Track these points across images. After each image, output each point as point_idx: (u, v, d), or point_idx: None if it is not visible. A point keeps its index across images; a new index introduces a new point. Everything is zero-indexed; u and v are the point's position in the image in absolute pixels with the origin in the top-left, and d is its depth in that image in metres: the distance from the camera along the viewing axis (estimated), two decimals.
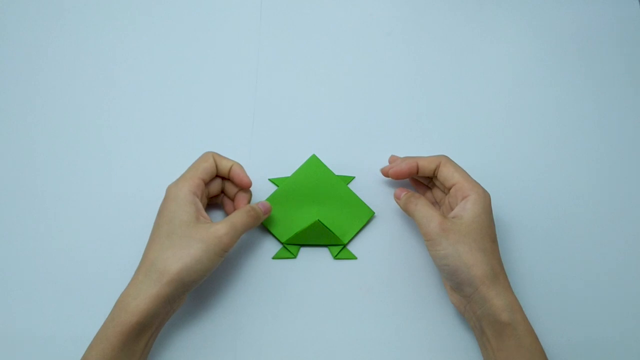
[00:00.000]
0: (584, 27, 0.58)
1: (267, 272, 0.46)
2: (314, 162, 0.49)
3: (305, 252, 0.47)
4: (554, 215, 0.50)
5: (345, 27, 0.57)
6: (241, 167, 0.45)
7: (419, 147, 0.52)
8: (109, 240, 0.48)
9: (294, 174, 0.49)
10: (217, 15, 0.57)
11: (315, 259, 0.47)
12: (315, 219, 0.46)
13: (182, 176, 0.43)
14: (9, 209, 0.49)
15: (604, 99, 0.55)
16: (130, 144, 0.51)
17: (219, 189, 0.46)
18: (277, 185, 0.49)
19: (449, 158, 0.46)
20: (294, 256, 0.47)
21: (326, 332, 0.45)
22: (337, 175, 0.49)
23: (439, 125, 0.53)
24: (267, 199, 0.48)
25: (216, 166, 0.44)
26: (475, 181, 0.44)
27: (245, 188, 0.46)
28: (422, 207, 0.43)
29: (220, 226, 0.41)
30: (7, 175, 0.50)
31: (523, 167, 0.52)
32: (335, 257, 0.47)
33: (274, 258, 0.47)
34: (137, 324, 0.37)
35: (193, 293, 0.45)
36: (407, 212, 0.45)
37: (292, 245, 0.47)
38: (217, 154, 0.45)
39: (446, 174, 0.45)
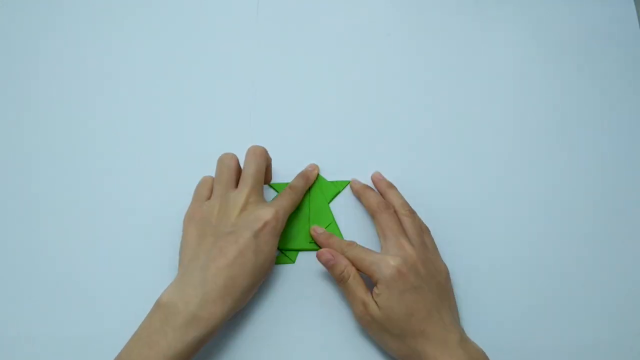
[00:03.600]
0: (579, 28, 0.58)
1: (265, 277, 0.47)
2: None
3: (303, 258, 0.48)
4: (554, 215, 0.50)
5: (343, 28, 0.57)
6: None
7: (418, 150, 0.52)
8: (107, 241, 0.48)
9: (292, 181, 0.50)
10: (213, 19, 0.56)
11: (313, 264, 0.47)
12: (308, 227, 0.47)
13: (281, 205, 0.44)
14: (6, 211, 0.49)
15: (602, 99, 0.55)
16: (126, 148, 0.51)
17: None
18: (277, 191, 0.49)
19: (384, 208, 0.46)
20: (293, 262, 0.47)
21: (326, 337, 0.45)
22: (332, 182, 0.50)
23: (439, 127, 0.53)
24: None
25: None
26: (390, 248, 0.43)
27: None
28: (349, 287, 0.43)
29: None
30: (4, 177, 0.50)
31: (525, 167, 0.52)
32: None
33: None
34: (204, 342, 0.39)
35: None
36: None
37: (290, 251, 0.48)
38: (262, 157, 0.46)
39: (377, 230, 0.46)
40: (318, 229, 0.47)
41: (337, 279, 0.44)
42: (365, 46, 0.56)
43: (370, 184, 0.50)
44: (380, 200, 0.47)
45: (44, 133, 0.52)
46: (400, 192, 0.49)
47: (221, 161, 0.46)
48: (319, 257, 0.44)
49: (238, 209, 0.43)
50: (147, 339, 0.37)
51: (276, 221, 0.42)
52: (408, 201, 0.48)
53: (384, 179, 0.50)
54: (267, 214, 0.42)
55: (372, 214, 0.47)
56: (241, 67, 0.55)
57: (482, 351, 0.41)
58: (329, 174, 0.50)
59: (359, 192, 0.49)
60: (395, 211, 0.46)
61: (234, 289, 0.39)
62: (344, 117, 0.53)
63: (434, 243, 0.46)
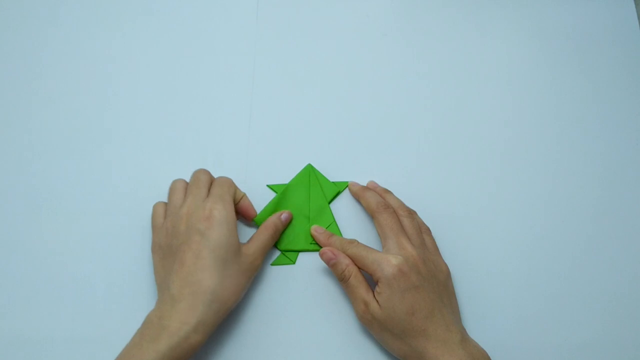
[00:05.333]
0: (579, 28, 0.57)
1: (266, 278, 0.47)
2: (309, 171, 0.50)
3: (304, 258, 0.48)
4: (553, 216, 0.50)
5: (341, 29, 0.56)
6: (248, 198, 0.48)
7: (418, 150, 0.52)
8: (107, 241, 0.48)
9: (290, 181, 0.50)
10: (212, 22, 0.56)
11: (314, 264, 0.47)
12: (309, 228, 0.47)
13: (222, 197, 0.43)
14: (3, 209, 0.49)
15: (602, 99, 0.55)
16: (125, 150, 0.51)
17: None
18: (276, 192, 0.49)
19: (384, 208, 0.45)
20: (293, 262, 0.47)
21: (326, 337, 0.45)
22: (333, 182, 0.50)
23: (439, 127, 0.53)
24: (266, 206, 0.48)
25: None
26: (391, 248, 0.43)
27: (249, 220, 0.48)
28: (351, 285, 0.43)
29: (256, 253, 0.43)
30: (2, 175, 0.50)
31: (525, 167, 0.52)
32: None
33: (272, 264, 0.47)
34: (193, 348, 0.38)
35: None
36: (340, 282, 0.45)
37: (291, 252, 0.47)
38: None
39: (377, 230, 0.46)
40: (319, 229, 0.47)
41: (339, 278, 0.44)
42: (361, 47, 0.56)
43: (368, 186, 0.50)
44: (379, 200, 0.47)
45: (44, 133, 0.52)
46: (401, 191, 0.49)
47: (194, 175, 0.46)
48: (321, 256, 0.45)
49: (183, 221, 0.42)
50: (127, 354, 0.38)
51: (220, 210, 0.42)
52: (408, 201, 0.48)
53: (378, 186, 0.50)
54: (207, 208, 0.42)
55: (372, 214, 0.47)
56: (240, 68, 0.55)
57: (484, 351, 0.41)
58: (330, 174, 0.50)
59: (358, 194, 0.49)
60: (394, 211, 0.46)
61: (203, 294, 0.39)
62: (344, 117, 0.53)
63: (434, 243, 0.46)
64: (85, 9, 0.56)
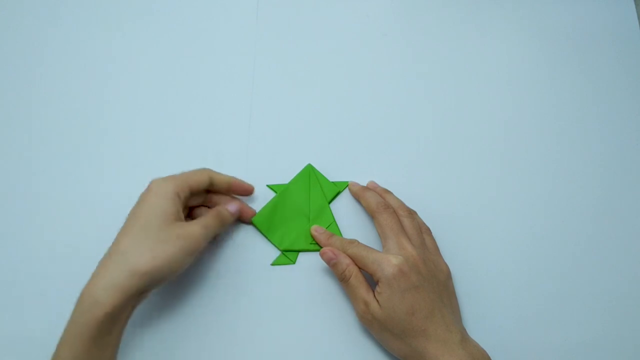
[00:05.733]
0: (579, 28, 0.58)
1: (266, 278, 0.47)
2: (309, 171, 0.50)
3: (304, 258, 0.48)
4: (553, 216, 0.50)
5: (341, 29, 0.57)
6: (238, 179, 0.47)
7: (418, 150, 0.52)
8: (103, 242, 0.47)
9: (290, 181, 0.50)
10: (212, 22, 0.56)
11: (314, 264, 0.47)
12: (309, 228, 0.47)
13: (172, 176, 0.43)
14: (4, 208, 0.49)
15: (602, 99, 0.55)
16: (125, 150, 0.51)
17: (200, 202, 0.46)
18: (276, 192, 0.49)
19: (384, 208, 0.45)
20: (293, 262, 0.47)
21: (326, 337, 0.45)
22: (333, 182, 0.50)
23: (438, 128, 0.53)
24: (265, 206, 0.48)
25: (211, 182, 0.45)
26: (391, 248, 0.43)
27: (248, 195, 0.48)
28: (351, 286, 0.43)
29: (196, 227, 0.41)
30: (2, 175, 0.50)
31: (524, 167, 0.52)
32: None
33: (273, 264, 0.47)
34: (110, 315, 0.36)
35: (193, 299, 0.45)
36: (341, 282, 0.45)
37: (291, 252, 0.47)
38: (213, 171, 0.45)
39: (377, 230, 0.46)
40: (319, 229, 0.47)
41: (339, 278, 0.44)
42: (361, 47, 0.56)
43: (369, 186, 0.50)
44: (379, 200, 0.47)
45: (44, 133, 0.52)
46: (401, 191, 0.49)
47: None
48: (321, 256, 0.45)
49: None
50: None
51: (159, 182, 0.41)
52: (408, 201, 0.48)
53: (378, 186, 0.50)
54: (151, 183, 0.42)
55: (372, 215, 0.47)
56: (240, 68, 0.54)
57: (484, 351, 0.41)
58: (330, 174, 0.50)
59: (358, 194, 0.49)
60: (394, 211, 0.46)
61: (115, 254, 0.38)
62: (344, 117, 0.53)
63: (435, 243, 0.46)
64: (85, 9, 0.56)
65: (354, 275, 0.43)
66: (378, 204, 0.46)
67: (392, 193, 0.49)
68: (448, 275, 0.45)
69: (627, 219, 0.50)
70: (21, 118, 0.52)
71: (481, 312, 0.45)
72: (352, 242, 0.45)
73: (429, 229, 0.47)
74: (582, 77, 0.56)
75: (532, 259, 0.48)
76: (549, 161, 0.52)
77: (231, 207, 0.46)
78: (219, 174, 0.46)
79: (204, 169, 0.45)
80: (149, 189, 0.41)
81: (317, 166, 0.50)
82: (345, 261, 0.44)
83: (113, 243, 0.40)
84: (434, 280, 0.42)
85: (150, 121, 0.52)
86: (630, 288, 0.48)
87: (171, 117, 0.53)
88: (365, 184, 0.50)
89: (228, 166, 0.50)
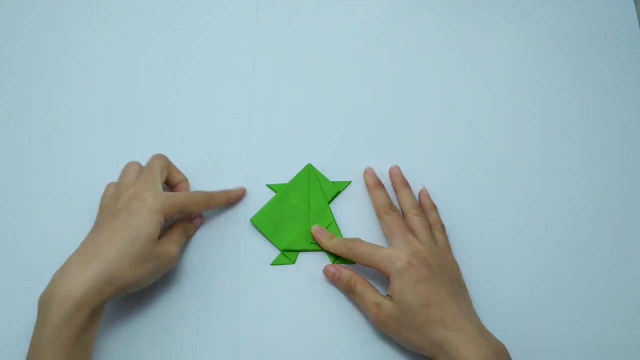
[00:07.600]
0: (579, 28, 0.57)
1: (266, 278, 0.47)
2: (309, 171, 0.50)
3: (304, 258, 0.48)
4: (556, 215, 0.50)
5: (341, 29, 0.57)
6: (188, 184, 0.48)
7: (418, 150, 0.52)
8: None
9: (290, 181, 0.50)
10: (212, 22, 0.56)
11: (314, 265, 0.47)
12: (309, 228, 0.47)
13: (156, 184, 0.43)
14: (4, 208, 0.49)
15: (602, 99, 0.55)
16: (125, 150, 0.50)
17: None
18: (275, 192, 0.49)
19: (390, 210, 0.46)
20: (293, 262, 0.47)
21: (326, 337, 0.45)
22: (333, 182, 0.50)
23: (438, 128, 0.53)
24: (265, 206, 0.48)
25: (207, 208, 0.47)
26: (398, 245, 0.43)
27: (244, 195, 0.49)
28: (359, 293, 0.43)
29: (173, 247, 0.43)
30: (2, 175, 0.50)
31: (525, 167, 0.52)
32: (334, 263, 0.47)
33: (273, 264, 0.47)
34: (90, 317, 0.37)
35: (193, 298, 0.46)
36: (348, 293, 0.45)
37: (291, 252, 0.47)
38: (170, 162, 0.46)
39: (384, 230, 0.46)
40: (320, 230, 0.47)
41: (346, 290, 0.45)
42: (362, 47, 0.56)
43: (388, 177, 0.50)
44: (387, 202, 0.47)
45: (44, 133, 0.52)
46: None
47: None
48: (324, 274, 0.46)
49: (123, 200, 0.43)
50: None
51: (154, 197, 0.41)
52: None
53: (400, 175, 0.50)
54: (143, 194, 0.42)
55: (377, 215, 0.47)
56: (240, 68, 0.55)
57: (503, 345, 0.40)
58: (330, 174, 0.50)
59: (370, 188, 0.49)
60: (401, 213, 0.47)
61: (99, 262, 0.38)
62: (344, 117, 0.53)
63: (446, 240, 0.47)
64: (85, 9, 0.57)
65: (359, 284, 0.44)
66: (385, 206, 0.46)
67: (409, 188, 0.49)
68: (459, 271, 0.45)
69: (628, 219, 0.50)
70: (21, 118, 0.52)
71: (480, 311, 0.45)
72: (356, 241, 0.45)
73: (443, 226, 0.47)
74: (582, 77, 0.56)
75: (532, 259, 0.48)
76: (549, 161, 0.52)
77: (195, 221, 0.47)
78: (175, 169, 0.47)
79: (163, 159, 0.46)
80: (142, 200, 0.41)
81: (317, 166, 0.50)
82: (348, 272, 0.45)
83: (93, 241, 0.40)
84: (445, 274, 0.43)
85: (150, 121, 0.52)
86: (630, 288, 0.48)
87: (171, 117, 0.53)
88: (364, 184, 0.50)
89: (228, 166, 0.50)
